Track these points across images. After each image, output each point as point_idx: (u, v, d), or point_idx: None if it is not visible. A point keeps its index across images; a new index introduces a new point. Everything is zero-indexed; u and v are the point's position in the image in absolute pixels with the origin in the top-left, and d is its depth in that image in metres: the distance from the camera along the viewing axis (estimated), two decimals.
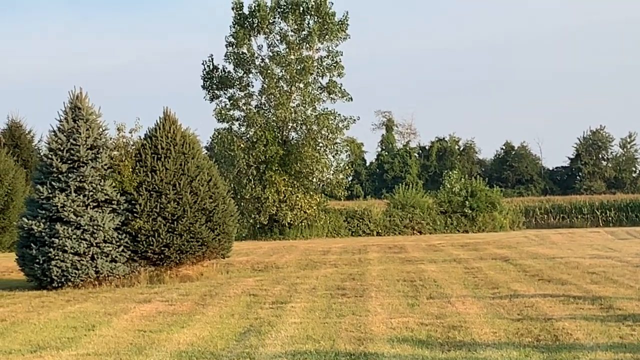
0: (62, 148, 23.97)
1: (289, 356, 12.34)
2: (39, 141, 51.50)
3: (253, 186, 51.85)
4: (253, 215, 52.32)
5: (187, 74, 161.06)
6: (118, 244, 23.83)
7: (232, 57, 53.85)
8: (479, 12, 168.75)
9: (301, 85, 53.01)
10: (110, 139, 25.25)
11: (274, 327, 15.08)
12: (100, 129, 24.70)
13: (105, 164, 24.27)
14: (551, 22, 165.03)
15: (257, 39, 54.06)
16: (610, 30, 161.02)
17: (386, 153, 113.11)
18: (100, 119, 24.76)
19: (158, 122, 25.66)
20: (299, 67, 52.43)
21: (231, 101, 54.08)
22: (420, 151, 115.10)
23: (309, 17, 52.93)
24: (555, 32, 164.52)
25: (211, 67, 54.57)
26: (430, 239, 46.33)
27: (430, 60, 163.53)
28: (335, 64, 53.27)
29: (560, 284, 20.64)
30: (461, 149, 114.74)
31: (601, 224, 62.72)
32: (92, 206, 23.69)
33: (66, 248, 22.99)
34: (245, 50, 53.67)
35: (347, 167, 56.45)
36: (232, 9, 53.95)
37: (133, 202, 24.27)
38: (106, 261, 23.52)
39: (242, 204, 50.20)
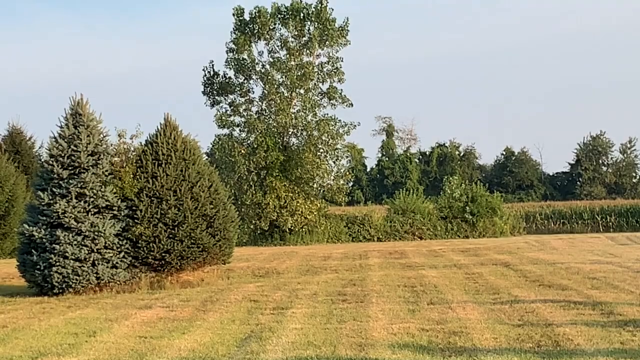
0: (63, 154, 23.98)
1: None
2: (39, 147, 51.56)
3: (254, 192, 51.88)
4: (254, 221, 52.32)
5: (188, 80, 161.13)
6: (119, 250, 23.84)
7: (232, 63, 53.93)
8: (479, 19, 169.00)
9: (302, 91, 53.09)
10: (111, 145, 25.26)
11: (274, 332, 15.09)
12: (101, 135, 24.72)
13: (106, 170, 24.28)
14: (551, 29, 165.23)
15: (258, 45, 54.26)
16: (610, 36, 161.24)
17: (387, 159, 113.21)
18: (101, 125, 24.80)
19: (159, 128, 25.69)
20: (299, 73, 52.49)
21: (232, 107, 54.17)
22: (420, 157, 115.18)
23: (309, 23, 53.02)
24: (555, 38, 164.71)
25: (212, 73, 54.66)
26: (431, 244, 46.30)
27: (430, 66, 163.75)
28: (335, 70, 53.37)
29: (561, 289, 20.63)
30: (461, 154, 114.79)
31: (601, 230, 62.72)
32: (93, 212, 23.70)
33: (67, 254, 23.00)
34: (245, 56, 53.76)
35: (347, 173, 56.51)
36: (233, 15, 54.08)
37: (134, 208, 24.29)
38: (107, 267, 23.52)
39: (242, 209, 50.20)
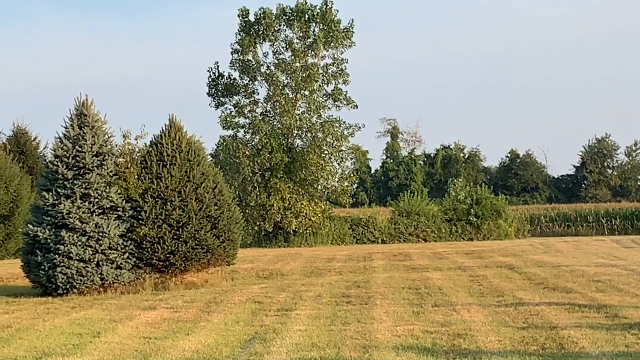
0: (67, 155, 24.00)
1: None
2: (44, 148, 51.69)
3: (258, 193, 51.89)
4: (258, 223, 52.31)
5: (193, 82, 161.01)
6: (123, 250, 23.85)
7: (237, 64, 53.94)
8: (484, 21, 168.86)
9: (306, 93, 53.07)
10: (116, 145, 25.26)
11: (279, 334, 15.08)
12: (106, 136, 24.73)
13: (111, 171, 24.29)
14: (556, 31, 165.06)
15: (263, 46, 54.23)
16: (615, 38, 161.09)
17: (391, 161, 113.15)
18: (105, 126, 24.83)
19: (163, 129, 25.69)
20: (304, 75, 52.47)
21: (236, 108, 54.16)
22: (425, 159, 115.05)
23: (314, 24, 53.00)
24: (561, 40, 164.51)
25: (217, 74, 54.65)
26: (435, 246, 46.29)
27: (435, 68, 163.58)
28: (340, 72, 53.35)
29: (566, 292, 20.61)
30: (466, 156, 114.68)
31: (606, 232, 62.64)
32: (97, 213, 23.71)
33: (71, 255, 23.01)
34: (250, 58, 53.75)
35: (352, 175, 56.45)
36: (238, 16, 54.03)
37: (138, 209, 24.29)
38: (111, 268, 23.52)
39: (247, 211, 50.16)
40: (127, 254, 23.92)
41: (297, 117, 52.79)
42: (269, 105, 54.14)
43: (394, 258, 35.93)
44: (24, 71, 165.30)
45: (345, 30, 52.86)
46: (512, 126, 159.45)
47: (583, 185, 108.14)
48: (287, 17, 53.16)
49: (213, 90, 54.61)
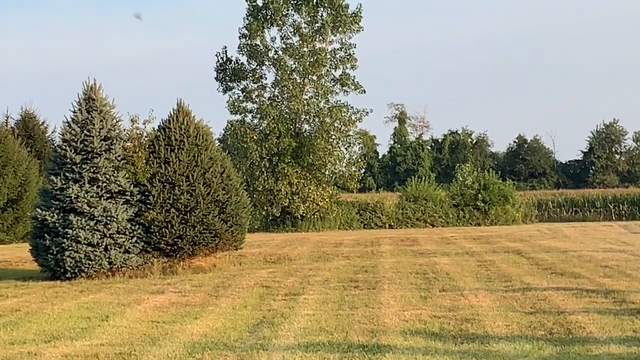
0: (75, 139, 24.02)
1: (301, 348, 12.35)
2: (52, 132, 51.78)
3: (266, 178, 51.91)
4: (265, 207, 52.38)
5: (201, 66, 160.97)
6: (131, 235, 23.89)
7: (245, 49, 53.87)
8: (493, 5, 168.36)
9: (314, 78, 53.02)
10: (124, 130, 25.28)
11: (286, 318, 15.11)
12: (114, 120, 24.75)
13: (119, 155, 24.31)
14: (565, 15, 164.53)
15: (271, 31, 54.16)
16: (624, 23, 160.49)
17: (399, 146, 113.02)
18: (114, 110, 24.86)
19: (171, 113, 25.71)
20: (312, 59, 52.41)
21: (244, 93, 54.12)
22: (432, 144, 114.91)
23: (322, 9, 52.92)
24: (569, 25, 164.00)
25: (224, 59, 54.60)
26: (443, 232, 46.28)
27: (443, 53, 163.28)
28: (348, 57, 53.28)
29: (573, 277, 20.59)
30: (474, 142, 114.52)
31: (614, 218, 62.46)
32: (105, 197, 23.74)
33: (80, 239, 23.06)
34: (258, 42, 53.68)
35: (359, 160, 56.45)
36: (246, 0, 53.93)
37: (146, 193, 24.32)
38: (119, 252, 23.58)
39: (254, 195, 50.18)
40: (135, 238, 23.96)
41: (304, 102, 52.76)
42: (276, 90, 54.11)
43: (402, 243, 35.94)
44: (31, 55, 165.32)
45: (353, 15, 52.77)
46: (520, 112, 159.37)
47: (591, 170, 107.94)
48: (295, 1, 53.09)
49: (221, 75, 54.57)
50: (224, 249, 26.12)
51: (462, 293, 18.01)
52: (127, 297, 19.06)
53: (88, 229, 23.18)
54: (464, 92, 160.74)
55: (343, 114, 52.20)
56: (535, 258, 26.39)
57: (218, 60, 54.65)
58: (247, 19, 53.74)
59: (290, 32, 53.56)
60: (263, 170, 52.22)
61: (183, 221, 24.42)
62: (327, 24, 52.18)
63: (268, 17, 53.40)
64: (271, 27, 53.89)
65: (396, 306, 16.33)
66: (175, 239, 24.34)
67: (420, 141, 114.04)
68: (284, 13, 53.14)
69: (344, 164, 53.76)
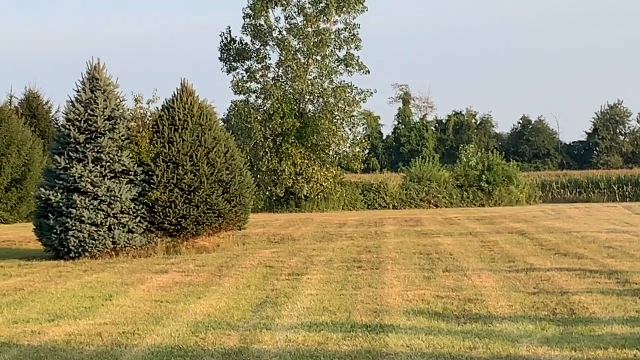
0: (79, 118, 24.01)
1: (305, 327, 12.37)
2: (56, 112, 51.73)
3: (269, 158, 51.89)
4: (269, 188, 52.38)
5: (206, 46, 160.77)
6: (135, 214, 23.90)
7: (249, 29, 53.74)
8: None
9: (318, 58, 52.90)
10: (128, 109, 25.23)
11: (290, 298, 15.13)
12: (118, 100, 24.72)
13: (123, 135, 24.29)
14: None
15: (275, 11, 53.97)
16: (629, 2, 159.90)
17: (403, 126, 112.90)
18: (117, 90, 24.82)
19: (175, 93, 25.66)
20: (316, 40, 52.30)
21: (248, 73, 54.01)
22: (437, 125, 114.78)
23: None
24: (573, 4, 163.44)
25: (229, 39, 54.48)
26: (447, 212, 46.28)
27: (447, 33, 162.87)
28: (352, 37, 53.14)
29: (577, 258, 20.60)
30: (478, 122, 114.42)
31: (618, 199, 62.40)
32: (109, 177, 23.75)
33: (83, 218, 23.08)
34: (262, 22, 53.53)
35: (363, 140, 56.36)
36: None
37: (150, 173, 24.31)
38: (123, 232, 23.59)
39: (258, 176, 50.20)
40: (138, 218, 23.97)
41: (308, 82, 52.66)
42: (280, 70, 53.99)
43: (405, 223, 35.94)
44: (34, 34, 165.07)
45: None
46: (524, 92, 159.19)
47: (595, 151, 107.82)
48: None
49: (225, 55, 54.47)
50: (228, 228, 26.14)
51: (465, 273, 18.03)
52: (131, 276, 19.10)
53: (92, 209, 23.19)
54: (468, 72, 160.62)
55: (347, 95, 52.12)
56: (538, 238, 26.41)
57: (222, 40, 54.57)
58: None
59: (295, 12, 53.42)
60: (267, 150, 52.20)
61: (187, 201, 24.42)
62: (332, 3, 52.02)
63: None
64: (275, 7, 53.74)
65: (399, 286, 16.35)
66: (179, 219, 24.34)
67: (424, 122, 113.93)
68: None
69: (348, 145, 53.70)
